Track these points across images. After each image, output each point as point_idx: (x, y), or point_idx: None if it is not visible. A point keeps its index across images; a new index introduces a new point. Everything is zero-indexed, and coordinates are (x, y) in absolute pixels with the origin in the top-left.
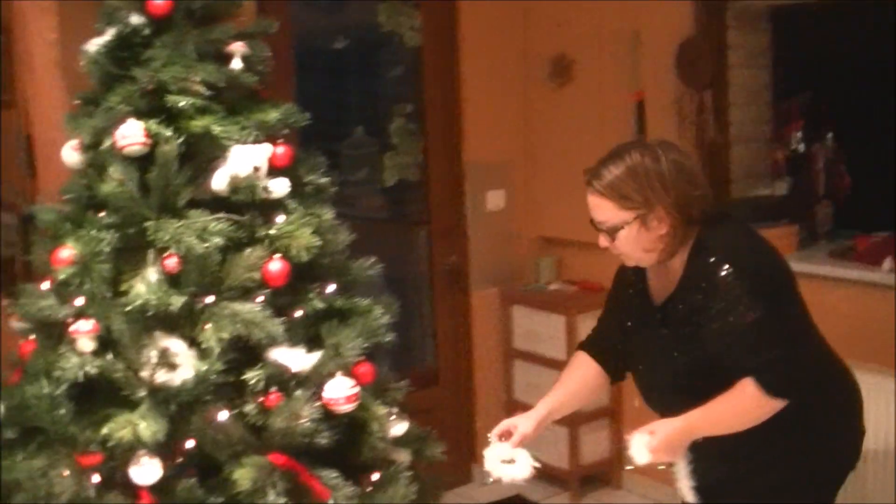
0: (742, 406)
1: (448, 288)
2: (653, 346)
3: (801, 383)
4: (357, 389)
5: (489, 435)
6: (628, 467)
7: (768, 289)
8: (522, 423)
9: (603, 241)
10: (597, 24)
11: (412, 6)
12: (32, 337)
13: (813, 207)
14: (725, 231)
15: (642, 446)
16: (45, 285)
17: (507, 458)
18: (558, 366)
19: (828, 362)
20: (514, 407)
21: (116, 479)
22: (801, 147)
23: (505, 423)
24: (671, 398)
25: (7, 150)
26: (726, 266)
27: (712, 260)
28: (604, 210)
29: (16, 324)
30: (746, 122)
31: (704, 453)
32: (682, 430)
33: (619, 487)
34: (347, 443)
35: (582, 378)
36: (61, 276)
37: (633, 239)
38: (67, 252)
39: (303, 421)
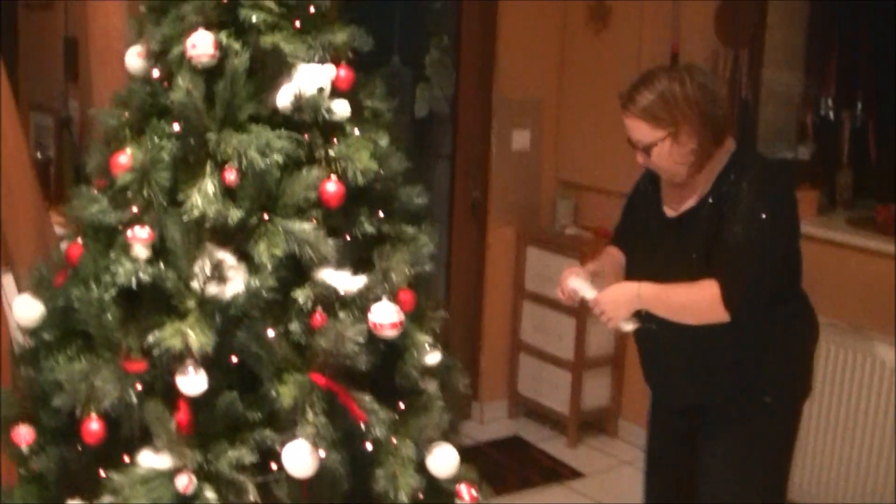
0: (695, 300)
1: (466, 222)
2: (659, 251)
3: (757, 311)
4: (402, 316)
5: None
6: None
7: (779, 218)
8: (579, 270)
9: (640, 158)
10: None
11: None
12: (79, 240)
13: (835, 174)
14: (753, 158)
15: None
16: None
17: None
18: (567, 310)
19: (794, 297)
20: (520, 347)
21: (157, 387)
22: (831, 113)
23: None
24: None
25: (42, 53)
26: (751, 182)
27: (740, 177)
28: (639, 130)
29: (58, 227)
30: (778, 84)
31: (669, 359)
32: (634, 294)
33: (615, 436)
34: (380, 368)
35: (617, 258)
36: (119, 182)
37: (667, 154)
38: (126, 158)
39: (348, 343)
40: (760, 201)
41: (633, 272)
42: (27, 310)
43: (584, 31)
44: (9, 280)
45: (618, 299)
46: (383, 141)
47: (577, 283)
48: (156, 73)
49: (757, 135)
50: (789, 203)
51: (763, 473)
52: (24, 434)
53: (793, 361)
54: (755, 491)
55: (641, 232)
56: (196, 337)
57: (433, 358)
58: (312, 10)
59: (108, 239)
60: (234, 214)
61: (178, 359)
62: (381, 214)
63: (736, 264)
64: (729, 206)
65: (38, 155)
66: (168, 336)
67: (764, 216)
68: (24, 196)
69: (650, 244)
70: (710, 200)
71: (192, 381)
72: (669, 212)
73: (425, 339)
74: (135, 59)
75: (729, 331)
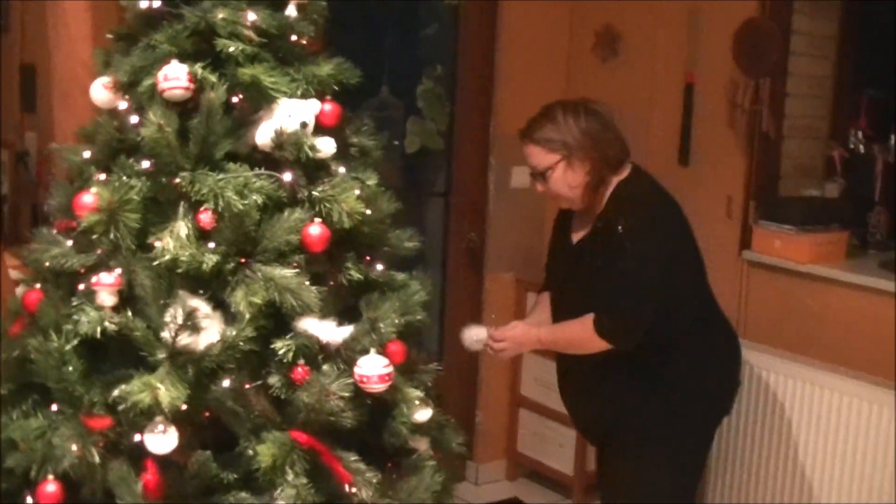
0: (576, 335)
1: (462, 267)
2: (567, 279)
3: (634, 337)
4: (391, 369)
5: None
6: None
7: (654, 248)
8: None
9: (539, 185)
10: None
11: None
12: (37, 286)
13: (866, 213)
14: (635, 193)
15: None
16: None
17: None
18: None
19: (705, 321)
20: (520, 402)
21: (122, 446)
22: (862, 148)
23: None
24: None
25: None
26: (627, 222)
27: (618, 214)
28: (536, 156)
29: (14, 272)
30: (803, 116)
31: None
32: (535, 339)
33: None
34: (369, 425)
35: (547, 305)
36: (83, 224)
37: (561, 179)
38: (92, 198)
39: (332, 398)
40: (634, 241)
41: (553, 302)
42: None
43: (591, 60)
44: None
45: (522, 341)
46: (371, 180)
47: (470, 332)
48: (124, 106)
49: (780, 171)
50: (663, 242)
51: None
52: None
53: (699, 386)
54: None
55: (556, 263)
56: (166, 391)
57: (424, 414)
58: (295, 40)
59: (71, 285)
60: (210, 259)
61: (146, 415)
62: (369, 259)
63: (607, 298)
64: (607, 240)
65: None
66: (136, 390)
67: (638, 260)
68: None
69: (561, 273)
70: (596, 230)
71: (162, 440)
72: (574, 238)
73: (416, 395)
74: (101, 91)
75: (623, 358)
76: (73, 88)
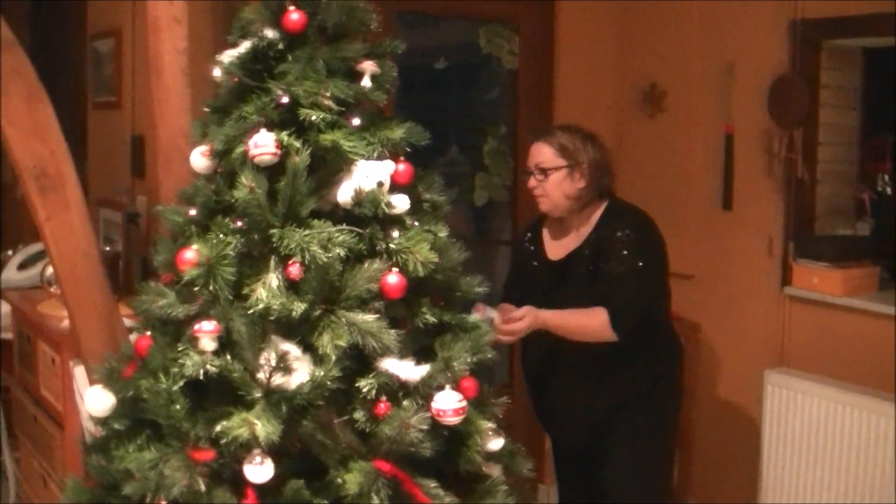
0: (588, 324)
1: None
2: (550, 291)
3: (636, 331)
4: (465, 403)
5: None
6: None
7: (650, 257)
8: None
9: (533, 182)
10: (690, 55)
11: (511, 30)
12: (147, 333)
13: (895, 249)
14: (627, 209)
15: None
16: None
17: None
18: None
19: (663, 326)
20: None
21: (225, 475)
22: (888, 189)
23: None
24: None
25: (110, 151)
26: (626, 231)
27: (616, 225)
28: (545, 154)
29: (128, 321)
30: (834, 161)
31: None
32: (540, 319)
33: None
34: (444, 454)
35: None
36: (186, 277)
37: (559, 183)
38: (192, 254)
39: (411, 430)
40: (634, 247)
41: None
42: (98, 400)
43: (640, 116)
44: (80, 371)
45: (530, 322)
46: (442, 232)
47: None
48: (219, 171)
49: (815, 212)
50: (657, 247)
51: (660, 469)
52: None
53: (670, 373)
54: (657, 487)
55: (528, 279)
56: (262, 427)
57: (497, 444)
58: (369, 107)
59: (176, 332)
60: (298, 307)
61: (244, 448)
62: (442, 304)
63: (620, 295)
64: (607, 248)
65: (107, 249)
66: (235, 426)
67: (640, 263)
68: (93, 290)
69: (536, 287)
70: (591, 243)
71: (259, 470)
72: (553, 256)
73: (487, 426)
74: (199, 158)
75: (612, 351)
76: (175, 155)
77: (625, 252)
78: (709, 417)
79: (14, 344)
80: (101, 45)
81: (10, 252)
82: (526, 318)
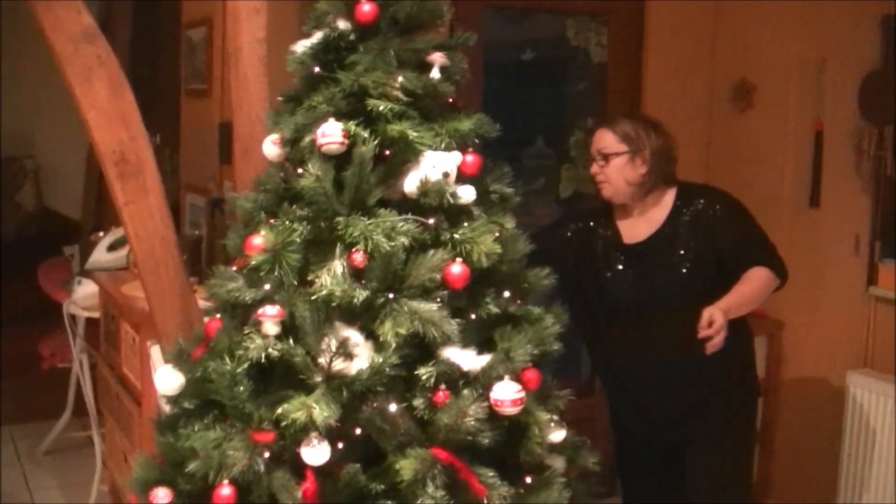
0: (760, 285)
1: None
2: (636, 276)
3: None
4: (523, 394)
5: None
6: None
7: (749, 214)
8: None
9: (595, 167)
10: (782, 51)
11: (600, 22)
12: (218, 316)
13: None
14: (702, 188)
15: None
16: (233, 269)
17: None
18: None
19: None
20: None
21: (285, 457)
22: None
23: None
24: (663, 306)
25: (200, 137)
26: (716, 206)
27: (703, 203)
28: (607, 140)
29: (202, 302)
30: None
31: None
32: (726, 312)
33: None
34: (506, 444)
35: None
36: (253, 262)
37: (621, 168)
38: (260, 240)
39: (469, 419)
40: (733, 213)
41: (590, 309)
42: (168, 380)
43: (731, 111)
44: (156, 351)
45: (723, 318)
46: (509, 224)
47: None
48: (289, 159)
49: None
50: (745, 207)
51: (747, 471)
52: (161, 496)
53: (751, 364)
54: (744, 487)
55: (591, 264)
56: (320, 411)
57: (559, 435)
58: (439, 99)
59: (244, 315)
60: (361, 295)
61: (303, 431)
62: (508, 295)
63: (760, 248)
64: (709, 226)
65: (195, 233)
66: (294, 409)
67: (748, 220)
68: (169, 273)
69: (612, 275)
70: (673, 224)
71: (316, 453)
72: (629, 241)
73: (547, 417)
74: (271, 146)
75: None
76: (253, 143)
77: (730, 220)
78: (790, 417)
79: (101, 323)
80: (193, 34)
81: (101, 234)
82: (717, 318)
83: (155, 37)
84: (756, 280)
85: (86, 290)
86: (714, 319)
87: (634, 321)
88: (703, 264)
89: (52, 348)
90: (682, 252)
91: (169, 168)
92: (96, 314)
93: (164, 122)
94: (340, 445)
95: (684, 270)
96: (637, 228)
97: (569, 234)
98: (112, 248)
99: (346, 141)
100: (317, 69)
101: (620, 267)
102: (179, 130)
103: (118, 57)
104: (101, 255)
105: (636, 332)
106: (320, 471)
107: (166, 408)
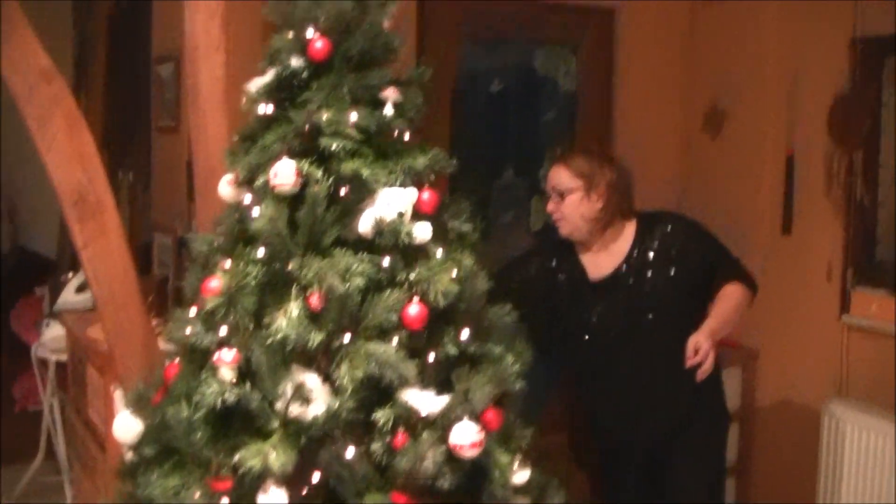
0: (737, 303)
1: None
2: (609, 310)
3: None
4: (482, 436)
5: None
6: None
7: (709, 233)
8: None
9: (551, 205)
10: (752, 76)
11: (569, 51)
12: (177, 360)
13: None
14: (661, 215)
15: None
16: (193, 311)
17: None
18: None
19: None
20: None
21: None
22: None
23: None
24: (638, 336)
25: (170, 175)
26: (677, 232)
27: (667, 230)
28: (561, 176)
29: (164, 345)
30: (894, 184)
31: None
32: (709, 336)
33: None
34: (468, 487)
35: None
36: (209, 305)
37: (577, 205)
38: (217, 282)
39: (427, 463)
40: (694, 234)
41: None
42: (126, 426)
43: (702, 138)
44: (120, 396)
45: (709, 343)
46: (468, 261)
47: None
48: (247, 199)
49: (875, 238)
50: (704, 226)
51: (720, 486)
52: None
53: (720, 389)
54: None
55: (561, 302)
56: (277, 457)
57: (522, 476)
58: (393, 135)
59: (202, 359)
60: (316, 337)
61: (259, 477)
62: (467, 334)
63: (729, 263)
64: (678, 252)
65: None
66: (251, 456)
67: (711, 238)
68: (130, 315)
69: (578, 311)
70: (638, 254)
71: (273, 500)
72: (594, 276)
73: (510, 458)
74: (226, 186)
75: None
76: (212, 182)
77: (699, 240)
78: (766, 446)
79: (69, 366)
80: (163, 70)
81: (69, 274)
82: (702, 344)
83: (129, 72)
84: (733, 298)
85: (54, 333)
86: (699, 346)
87: (610, 353)
88: (676, 288)
89: (24, 390)
90: (654, 280)
91: (141, 206)
92: (64, 357)
93: (139, 158)
94: (299, 492)
95: (658, 298)
96: (600, 262)
97: (533, 271)
98: (80, 289)
99: (299, 181)
100: (269, 108)
101: (588, 303)
102: (150, 168)
103: (94, 93)
104: (69, 297)
105: (612, 364)
106: None
107: (128, 454)
